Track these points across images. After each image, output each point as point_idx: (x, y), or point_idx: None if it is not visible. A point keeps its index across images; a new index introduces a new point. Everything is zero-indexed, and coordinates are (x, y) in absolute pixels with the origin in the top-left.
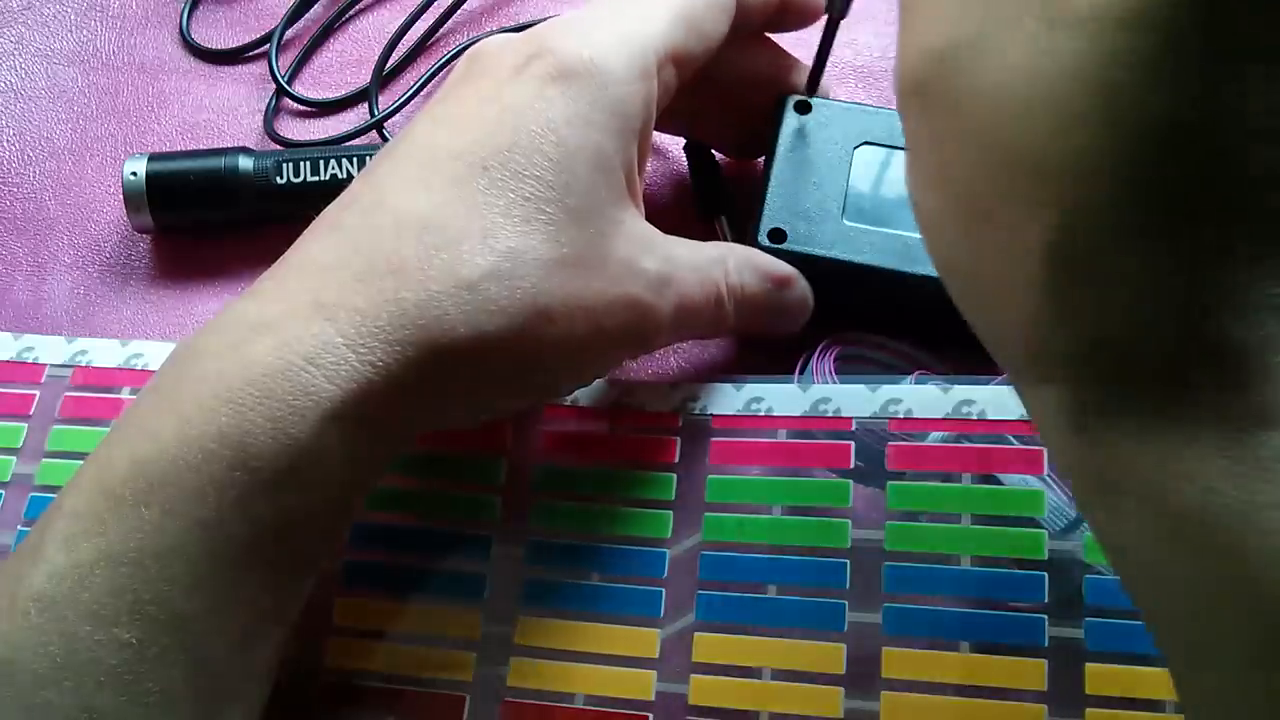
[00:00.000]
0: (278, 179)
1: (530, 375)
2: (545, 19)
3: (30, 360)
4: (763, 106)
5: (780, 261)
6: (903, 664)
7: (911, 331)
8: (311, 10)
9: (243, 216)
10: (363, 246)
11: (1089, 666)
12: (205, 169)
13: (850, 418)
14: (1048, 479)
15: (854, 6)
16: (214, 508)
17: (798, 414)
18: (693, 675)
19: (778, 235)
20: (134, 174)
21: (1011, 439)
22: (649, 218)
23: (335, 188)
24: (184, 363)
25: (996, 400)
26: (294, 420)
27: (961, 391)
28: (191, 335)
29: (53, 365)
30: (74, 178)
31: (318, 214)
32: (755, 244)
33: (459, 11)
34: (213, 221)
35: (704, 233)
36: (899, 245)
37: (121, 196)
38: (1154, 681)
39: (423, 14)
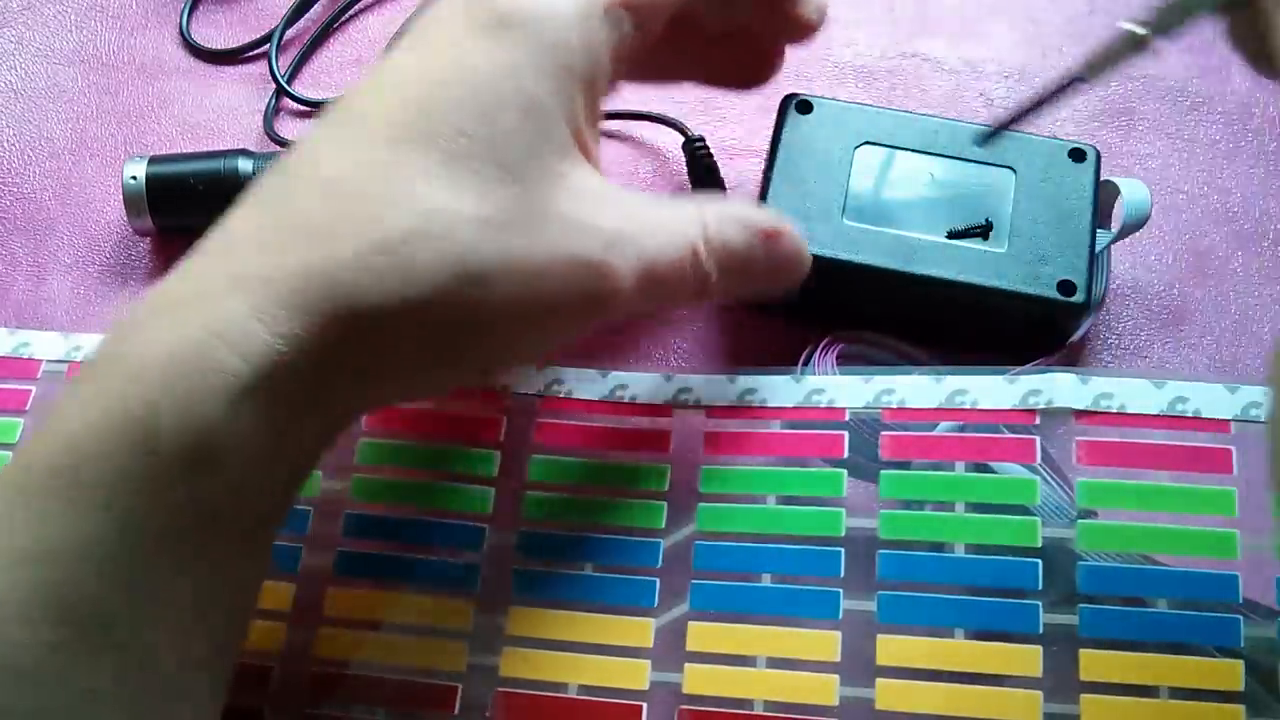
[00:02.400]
0: None
1: (465, 343)
2: None
3: (26, 356)
4: (755, 27)
5: (767, 212)
6: (897, 651)
7: (911, 331)
8: (311, 10)
9: None
10: (276, 213)
11: (1083, 653)
12: (205, 172)
13: (844, 408)
14: (1043, 473)
15: (853, 6)
16: (125, 495)
17: (791, 405)
18: (687, 664)
19: None
20: (134, 177)
21: (1004, 428)
22: None
23: None
24: (101, 349)
25: (989, 390)
26: (202, 399)
27: (954, 381)
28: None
29: (49, 361)
30: (74, 178)
31: None
32: None
33: None
34: (213, 224)
35: None
36: (899, 245)
37: (121, 198)
38: (1148, 667)
39: None
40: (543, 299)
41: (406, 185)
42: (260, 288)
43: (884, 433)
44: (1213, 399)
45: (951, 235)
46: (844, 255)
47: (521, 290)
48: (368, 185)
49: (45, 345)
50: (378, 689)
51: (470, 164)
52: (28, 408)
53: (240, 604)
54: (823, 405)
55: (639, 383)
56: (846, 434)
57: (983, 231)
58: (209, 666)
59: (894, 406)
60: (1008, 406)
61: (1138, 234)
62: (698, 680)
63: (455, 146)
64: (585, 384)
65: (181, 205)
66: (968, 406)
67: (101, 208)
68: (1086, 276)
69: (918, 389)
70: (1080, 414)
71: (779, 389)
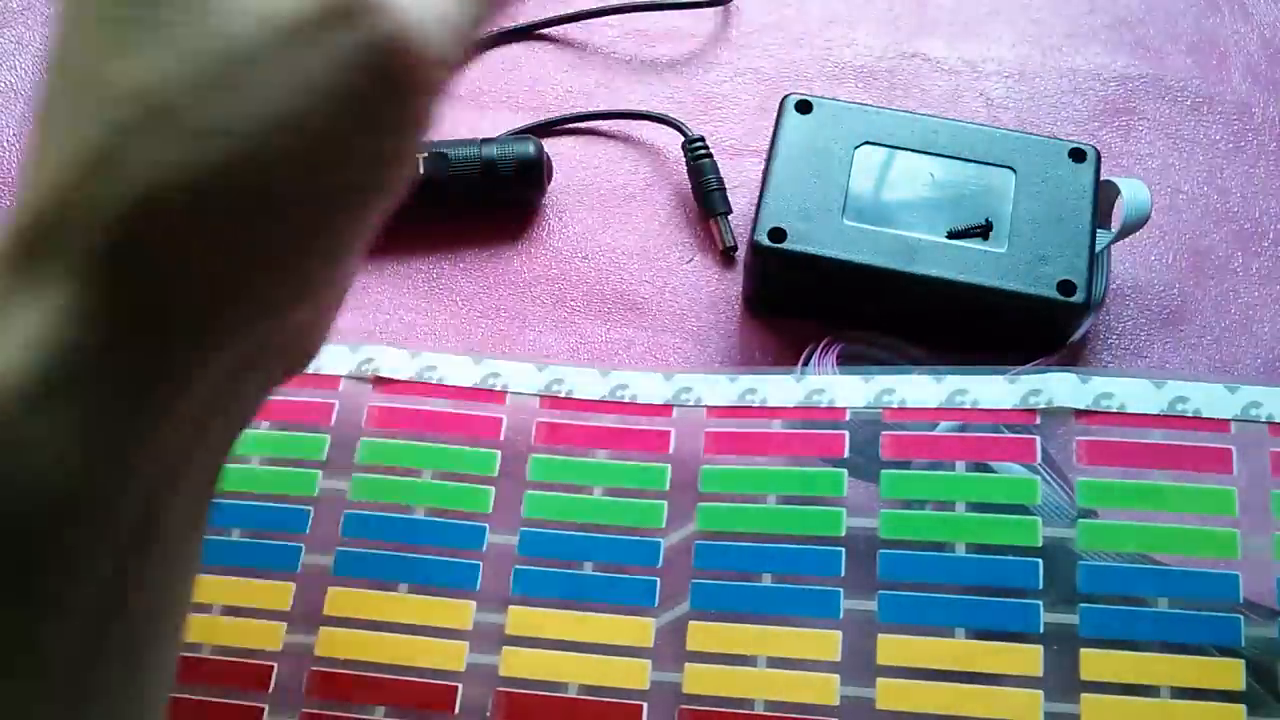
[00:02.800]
0: None
1: (266, 218)
2: (546, 19)
3: None
4: None
5: None
6: (898, 650)
7: (911, 330)
8: None
9: None
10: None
11: (1084, 652)
12: None
13: (844, 408)
14: (1043, 473)
15: (853, 6)
16: None
17: (792, 404)
18: (687, 664)
19: (778, 234)
20: None
21: (1004, 428)
22: (645, 218)
23: None
24: None
25: (989, 389)
26: None
27: (955, 381)
28: None
29: None
30: None
31: None
32: (755, 243)
33: None
34: None
35: (703, 233)
36: (899, 245)
37: None
38: (1148, 667)
39: None
40: (304, 112)
41: (89, 88)
42: (19, 276)
43: (884, 432)
44: (1213, 399)
45: (951, 235)
46: (844, 255)
47: (275, 113)
48: (51, 126)
49: None
50: (378, 688)
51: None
52: None
53: (146, 654)
54: (823, 405)
55: (639, 382)
56: (847, 434)
57: (983, 231)
58: (114, 685)
59: (894, 406)
60: (1008, 406)
61: (1138, 234)
62: (698, 680)
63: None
64: (586, 383)
65: None
66: (968, 406)
67: None
68: (1086, 276)
69: (918, 389)
70: (1080, 414)
71: (779, 389)
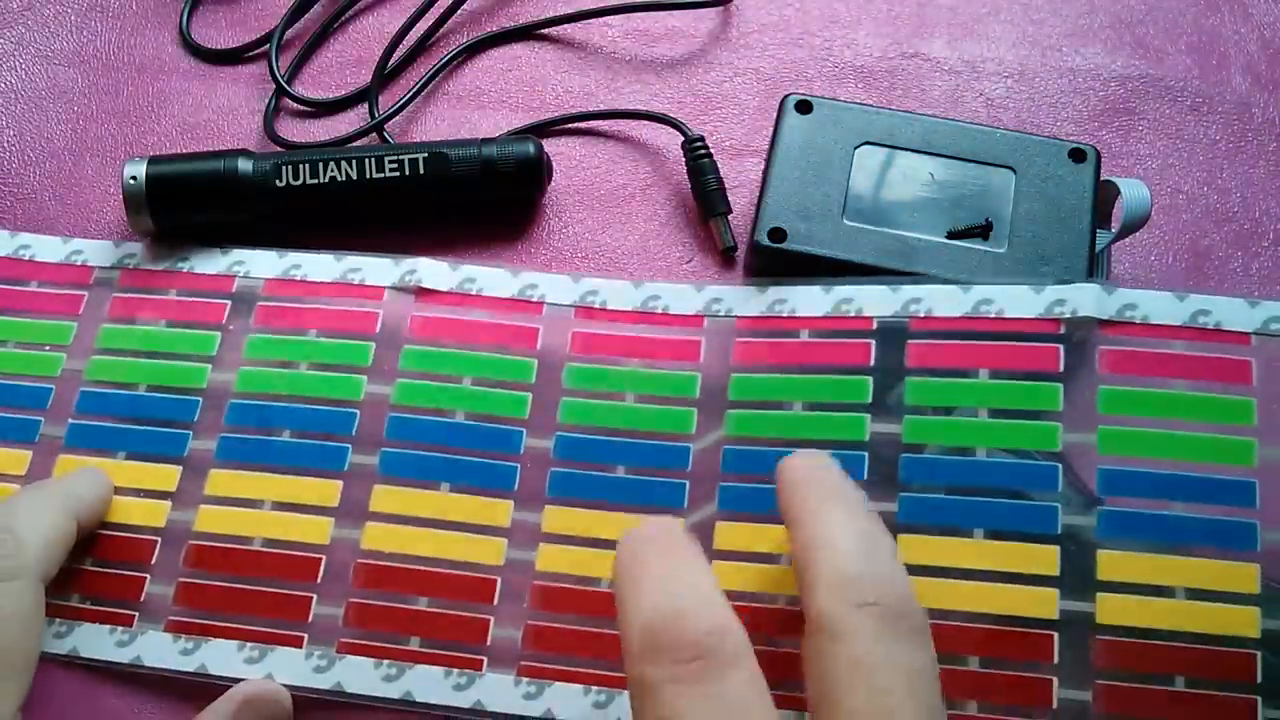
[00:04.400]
0: (277, 182)
1: None
2: (546, 19)
3: (80, 263)
4: None
5: None
6: (917, 550)
7: None
8: (311, 10)
9: (243, 220)
10: None
11: (1100, 553)
12: (205, 172)
13: (871, 317)
14: (1066, 381)
15: (853, 6)
16: None
17: (820, 314)
18: (715, 561)
19: (778, 235)
20: (134, 178)
21: (1029, 337)
22: (645, 218)
23: (334, 191)
24: None
25: (1016, 299)
26: None
27: (981, 291)
28: None
29: (101, 268)
30: (74, 178)
31: (316, 217)
32: (755, 243)
33: (459, 12)
34: (213, 224)
35: (703, 233)
36: (899, 245)
37: (121, 198)
38: (1164, 568)
39: (424, 15)
40: None
41: None
42: None
43: (910, 341)
44: (1234, 312)
45: (951, 235)
46: (844, 255)
47: None
48: None
49: (96, 254)
50: (421, 580)
51: None
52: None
53: None
54: (851, 314)
55: (672, 293)
56: (873, 342)
57: (983, 231)
58: None
59: (921, 315)
60: (1033, 315)
61: (1138, 234)
62: (725, 576)
63: None
64: (619, 294)
65: (181, 205)
66: (993, 315)
67: (101, 208)
68: (1086, 276)
69: (945, 298)
70: (1104, 324)
71: (808, 299)
